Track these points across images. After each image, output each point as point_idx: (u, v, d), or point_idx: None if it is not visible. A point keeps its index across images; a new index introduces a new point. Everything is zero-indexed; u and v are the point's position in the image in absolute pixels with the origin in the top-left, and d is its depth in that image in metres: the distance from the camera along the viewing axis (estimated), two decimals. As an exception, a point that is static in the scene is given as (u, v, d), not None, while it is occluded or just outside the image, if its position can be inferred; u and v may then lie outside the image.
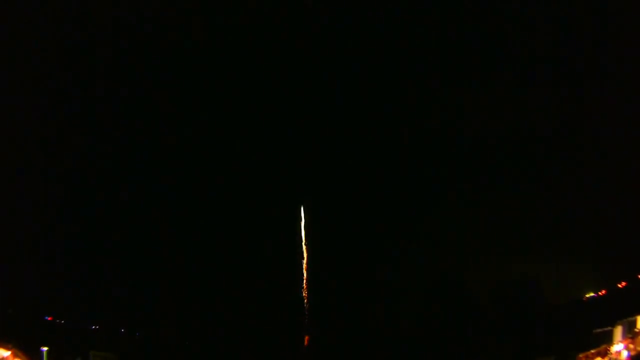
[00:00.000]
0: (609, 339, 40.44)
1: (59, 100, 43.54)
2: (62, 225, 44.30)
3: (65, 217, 44.31)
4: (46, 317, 46.39)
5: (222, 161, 45.78)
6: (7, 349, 41.35)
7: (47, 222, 43.87)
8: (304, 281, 46.81)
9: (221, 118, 45.30)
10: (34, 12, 41.13)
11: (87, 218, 45.02)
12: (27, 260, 44.55)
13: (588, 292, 44.54)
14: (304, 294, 46.70)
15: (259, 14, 43.39)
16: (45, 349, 42.85)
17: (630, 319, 39.82)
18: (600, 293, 44.02)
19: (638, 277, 42.10)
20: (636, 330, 39.11)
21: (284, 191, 46.22)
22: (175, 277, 45.67)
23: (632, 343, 38.79)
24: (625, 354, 38.64)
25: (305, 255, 47.17)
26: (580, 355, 40.26)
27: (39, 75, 42.78)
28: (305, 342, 46.81)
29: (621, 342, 39.34)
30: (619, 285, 43.08)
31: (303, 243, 46.80)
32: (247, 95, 45.35)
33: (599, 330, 41.39)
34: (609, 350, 39.74)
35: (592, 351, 40.50)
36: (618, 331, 40.13)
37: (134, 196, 44.90)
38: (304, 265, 47.42)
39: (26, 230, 43.47)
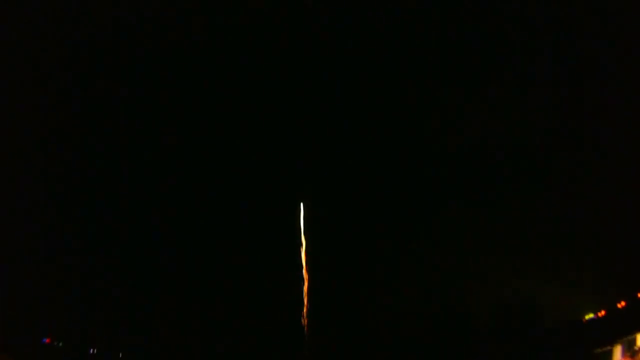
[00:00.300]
0: (608, 359, 40.13)
1: (57, 100, 44.04)
2: (60, 242, 44.52)
3: (62, 232, 44.56)
4: (44, 340, 46.38)
5: (221, 161, 45.88)
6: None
7: (45, 237, 44.17)
8: (304, 295, 46.40)
9: (220, 117, 45.53)
10: (34, 11, 41.92)
11: (83, 232, 45.15)
12: (25, 281, 44.67)
13: (588, 313, 44.21)
14: (304, 308, 46.22)
15: (259, 13, 43.77)
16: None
17: (630, 337, 39.63)
18: (599, 314, 43.67)
19: (638, 296, 41.91)
20: (636, 348, 38.81)
21: (283, 190, 46.02)
22: (175, 296, 45.58)
23: (632, 362, 38.55)
24: (625, 372, 38.36)
25: (304, 263, 46.63)
26: (580, 375, 40.05)
27: (37, 75, 43.44)
28: None
29: (621, 360, 39.14)
30: (619, 305, 42.80)
31: (302, 247, 46.34)
32: (246, 95, 45.64)
33: (598, 350, 41.13)
34: (608, 370, 39.49)
35: (592, 371, 40.29)
36: (617, 350, 39.83)
37: (131, 200, 45.01)
38: (305, 290, 47.06)
39: (25, 248, 43.75)
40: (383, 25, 44.46)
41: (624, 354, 39.23)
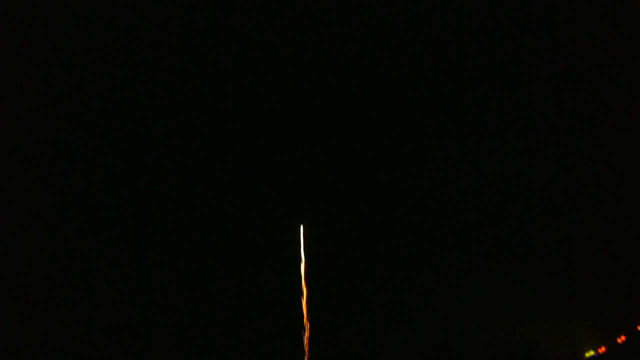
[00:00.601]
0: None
1: (57, 100, 44.26)
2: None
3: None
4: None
5: (216, 173, 45.60)
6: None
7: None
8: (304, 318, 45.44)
9: (217, 125, 45.50)
10: (34, 11, 42.87)
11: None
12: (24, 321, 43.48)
13: (588, 351, 44.13)
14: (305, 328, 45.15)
15: (259, 13, 44.43)
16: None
17: (632, 368, 39.67)
18: (600, 350, 43.65)
19: (638, 329, 42.21)
20: (638, 379, 38.73)
21: (282, 210, 45.69)
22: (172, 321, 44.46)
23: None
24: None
25: (305, 311, 46.01)
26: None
27: (37, 75, 43.92)
28: None
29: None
30: (619, 340, 42.95)
31: (303, 295, 45.85)
32: (245, 102, 45.86)
33: (601, 384, 40.92)
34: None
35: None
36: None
37: (123, 221, 44.42)
38: (306, 339, 45.89)
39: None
40: (385, 27, 45.02)
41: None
